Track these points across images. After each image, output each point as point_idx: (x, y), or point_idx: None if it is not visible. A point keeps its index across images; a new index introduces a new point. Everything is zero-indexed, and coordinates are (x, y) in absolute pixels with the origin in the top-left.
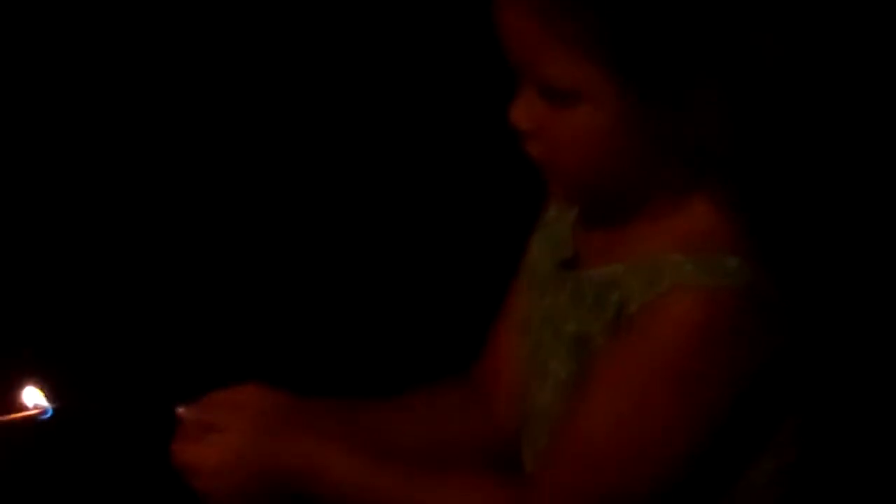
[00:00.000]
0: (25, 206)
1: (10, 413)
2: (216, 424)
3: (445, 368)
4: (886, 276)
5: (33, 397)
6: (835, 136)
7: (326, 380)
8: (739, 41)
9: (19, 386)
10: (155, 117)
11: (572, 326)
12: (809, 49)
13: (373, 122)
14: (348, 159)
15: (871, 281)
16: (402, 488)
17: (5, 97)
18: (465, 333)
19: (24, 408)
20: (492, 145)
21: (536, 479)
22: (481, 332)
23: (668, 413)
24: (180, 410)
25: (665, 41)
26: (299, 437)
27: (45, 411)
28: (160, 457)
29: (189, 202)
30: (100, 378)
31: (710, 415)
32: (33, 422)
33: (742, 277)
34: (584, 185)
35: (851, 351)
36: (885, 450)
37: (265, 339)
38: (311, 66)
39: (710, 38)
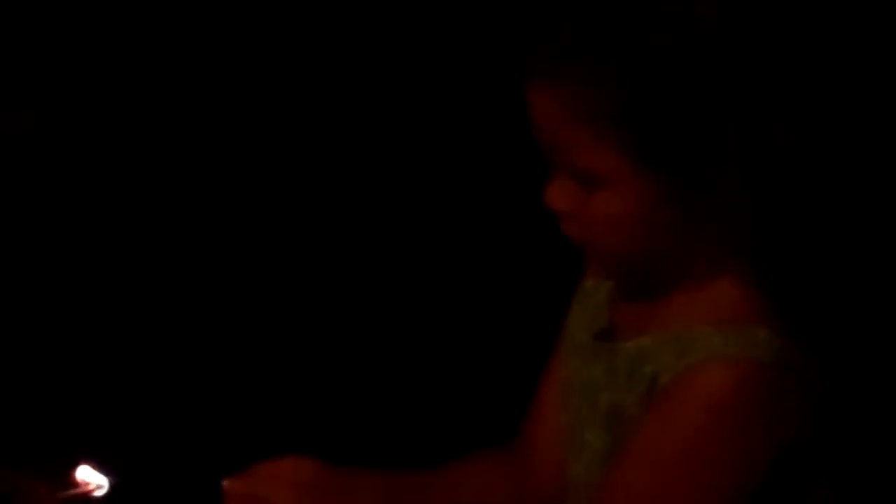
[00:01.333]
0: (76, 278)
1: (66, 490)
2: (260, 496)
3: (489, 438)
4: None
5: (88, 474)
6: (858, 213)
7: (370, 451)
8: (756, 127)
9: (74, 463)
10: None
11: (607, 397)
12: (826, 130)
13: (418, 190)
14: (378, 215)
15: None
16: None
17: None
18: (508, 402)
19: (78, 484)
20: (531, 213)
21: None
22: (524, 401)
23: (698, 483)
24: (225, 483)
25: (684, 128)
26: None
27: (99, 487)
28: None
29: (236, 265)
30: (145, 454)
31: (740, 485)
32: (88, 498)
33: (771, 349)
34: (619, 262)
35: (884, 422)
36: None
37: (310, 413)
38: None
39: (727, 125)
